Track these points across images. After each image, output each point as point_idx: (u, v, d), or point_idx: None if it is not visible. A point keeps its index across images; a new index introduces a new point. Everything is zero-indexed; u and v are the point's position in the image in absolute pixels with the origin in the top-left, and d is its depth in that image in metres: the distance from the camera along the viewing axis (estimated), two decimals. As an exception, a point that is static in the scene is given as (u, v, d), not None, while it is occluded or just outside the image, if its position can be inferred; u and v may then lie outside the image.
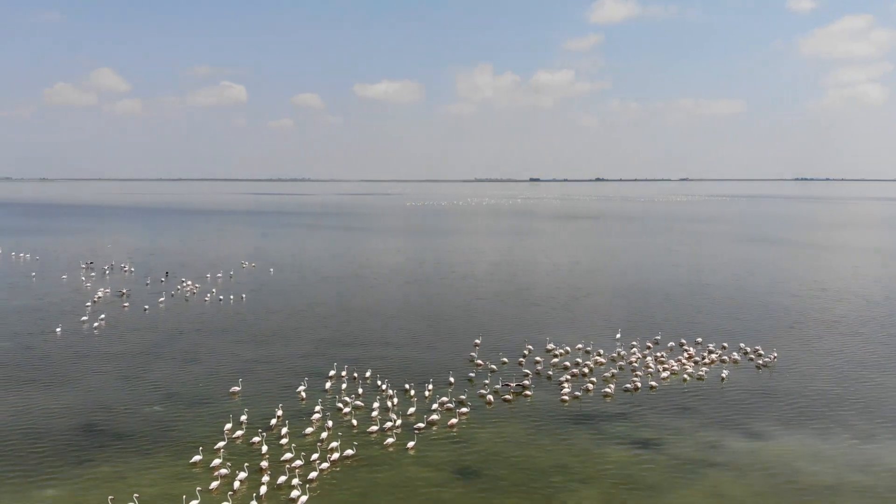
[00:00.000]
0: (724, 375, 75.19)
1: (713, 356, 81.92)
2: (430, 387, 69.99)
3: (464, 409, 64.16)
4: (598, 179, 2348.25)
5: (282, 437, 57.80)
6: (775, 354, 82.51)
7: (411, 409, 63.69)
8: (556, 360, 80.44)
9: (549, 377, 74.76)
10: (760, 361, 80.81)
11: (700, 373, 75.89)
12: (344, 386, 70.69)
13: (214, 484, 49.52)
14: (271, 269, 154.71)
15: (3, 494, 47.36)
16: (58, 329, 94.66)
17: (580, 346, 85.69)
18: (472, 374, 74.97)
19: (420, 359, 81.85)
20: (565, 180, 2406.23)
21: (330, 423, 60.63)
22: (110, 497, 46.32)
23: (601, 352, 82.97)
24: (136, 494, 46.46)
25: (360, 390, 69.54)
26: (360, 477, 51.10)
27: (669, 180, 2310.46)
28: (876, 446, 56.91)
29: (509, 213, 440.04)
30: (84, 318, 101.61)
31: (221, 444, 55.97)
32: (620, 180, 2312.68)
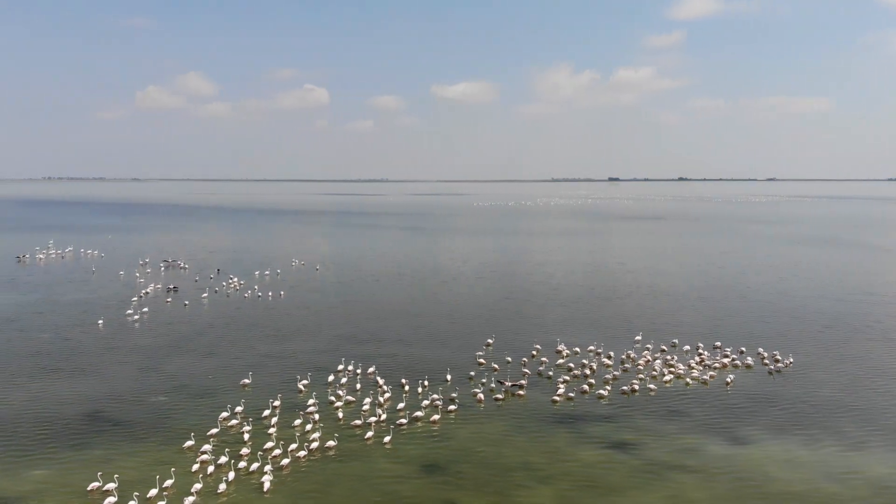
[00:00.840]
0: (728, 380, 73.73)
1: (725, 360, 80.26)
2: (426, 383, 71.28)
3: (452, 407, 65.09)
4: (680, 179, 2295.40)
5: (271, 426, 60.22)
6: (791, 360, 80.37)
7: (400, 405, 65.13)
8: (561, 361, 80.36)
9: (549, 377, 74.85)
10: (772, 366, 78.82)
11: (705, 377, 74.58)
12: (344, 380, 72.70)
13: (195, 467, 52.21)
14: (317, 267, 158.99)
15: None
16: (100, 322, 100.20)
17: (592, 347, 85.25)
18: (472, 373, 75.74)
19: (428, 356, 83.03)
20: (646, 180, 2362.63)
21: (317, 416, 62.66)
22: (99, 473, 49.56)
23: (611, 354, 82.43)
24: (116, 475, 49.42)
25: (359, 385, 71.43)
26: (329, 467, 52.84)
27: (755, 180, 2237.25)
28: (861, 456, 55.05)
29: (573, 213, 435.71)
30: (128, 311, 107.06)
31: (214, 430, 58.86)
32: (704, 180, 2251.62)
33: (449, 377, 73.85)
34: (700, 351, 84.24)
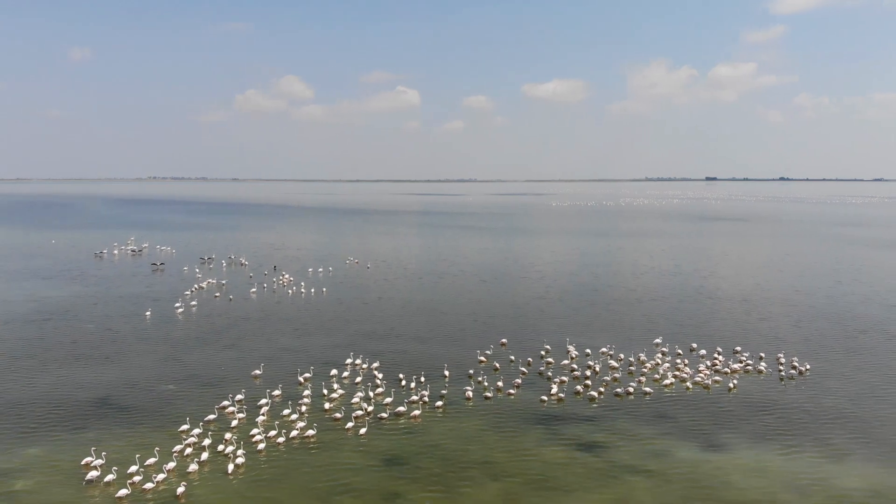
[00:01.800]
0: (731, 385, 71.92)
1: (736, 366, 78.24)
2: (423, 379, 72.75)
3: (439, 403, 66.28)
4: (782, 179, 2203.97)
5: (261, 414, 63.12)
6: (808, 366, 77.56)
7: (388, 399, 66.87)
8: (566, 362, 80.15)
9: (548, 378, 74.87)
10: (785, 373, 76.33)
11: (707, 382, 72.99)
12: (346, 374, 75.04)
13: (177, 447, 55.55)
14: (368, 266, 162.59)
15: None
16: (147, 314, 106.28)
17: (604, 349, 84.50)
18: (471, 371, 76.58)
19: (437, 354, 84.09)
20: (745, 180, 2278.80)
21: (303, 407, 65.12)
22: (93, 448, 53.51)
23: (621, 356, 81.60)
24: (104, 452, 53.23)
25: (358, 379, 73.61)
26: (298, 455, 55.08)
27: (861, 180, 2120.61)
28: (836, 467, 53.05)
29: (650, 213, 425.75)
30: (177, 304, 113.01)
31: (211, 417, 62.24)
32: (806, 180, 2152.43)
33: (447, 373, 75.11)
34: (715, 356, 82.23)
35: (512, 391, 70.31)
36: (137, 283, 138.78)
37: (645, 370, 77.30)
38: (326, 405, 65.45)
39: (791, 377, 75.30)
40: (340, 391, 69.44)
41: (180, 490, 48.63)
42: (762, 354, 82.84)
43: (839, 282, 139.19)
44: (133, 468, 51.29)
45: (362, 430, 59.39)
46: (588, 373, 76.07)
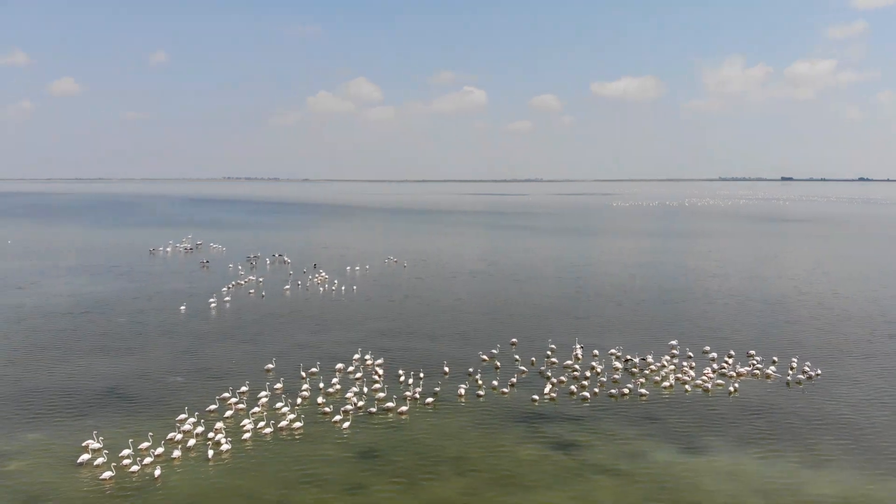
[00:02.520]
0: (731, 389, 70.71)
1: (744, 369, 76.77)
2: (421, 375, 73.89)
3: (429, 399, 67.35)
4: (861, 179, 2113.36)
5: (257, 405, 65.40)
6: (819, 371, 75.50)
7: (380, 395, 68.27)
8: (569, 362, 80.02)
9: (547, 377, 74.89)
10: (790, 377, 74.50)
11: (708, 385, 71.87)
12: (350, 369, 76.75)
13: (170, 434, 58.23)
14: (405, 264, 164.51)
15: None
16: (182, 308, 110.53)
17: (613, 350, 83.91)
18: (471, 369, 77.23)
19: (446, 352, 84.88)
20: (823, 180, 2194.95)
21: (299, 400, 67.16)
22: (95, 432, 56.64)
23: (628, 357, 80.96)
24: (101, 437, 56.30)
25: (359, 374, 75.24)
26: (278, 446, 56.92)
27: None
28: (814, 474, 51.83)
29: (713, 214, 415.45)
30: (211, 300, 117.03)
31: (212, 407, 64.90)
32: (888, 180, 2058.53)
33: (447, 369, 76.16)
34: (726, 358, 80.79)
35: (506, 390, 70.72)
36: (181, 279, 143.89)
37: (647, 372, 76.51)
38: (320, 399, 67.23)
39: (798, 382, 73.47)
40: (338, 386, 71.15)
41: (157, 473, 51.10)
42: (775, 358, 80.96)
43: (884, 286, 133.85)
44: (125, 452, 53.93)
45: (345, 424, 60.89)
46: (588, 373, 75.76)
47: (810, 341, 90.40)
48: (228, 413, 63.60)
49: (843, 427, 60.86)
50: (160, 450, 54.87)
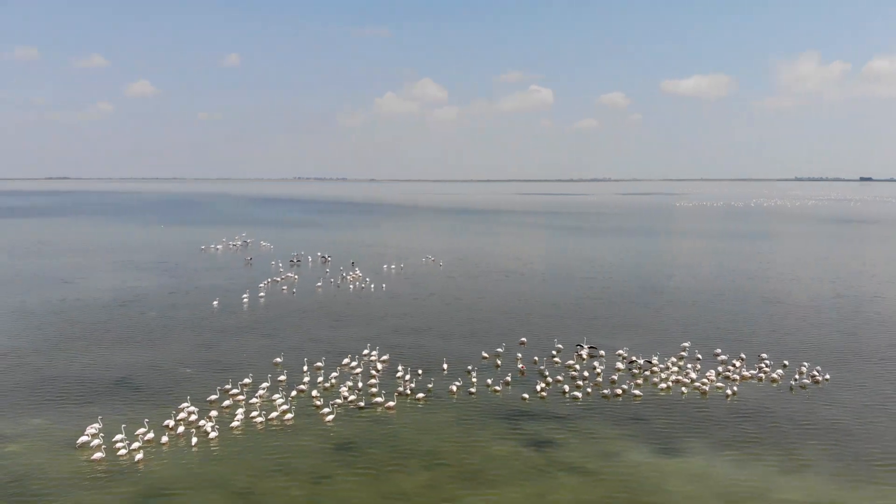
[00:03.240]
0: (729, 392, 69.54)
1: (748, 373, 75.38)
2: (420, 371, 75.14)
3: (420, 395, 68.46)
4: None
5: (255, 396, 67.67)
6: (827, 376, 73.58)
7: (373, 389, 69.73)
8: (571, 361, 79.90)
9: (545, 376, 75.01)
10: (794, 381, 72.75)
11: (705, 388, 70.85)
12: (354, 364, 78.42)
13: (166, 421, 60.90)
14: (441, 264, 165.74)
15: (1, 417, 62.96)
16: (215, 303, 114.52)
17: (621, 351, 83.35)
18: (469, 367, 77.83)
19: (452, 350, 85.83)
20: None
21: (293, 392, 69.15)
22: (100, 416, 59.82)
23: (633, 359, 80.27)
24: (100, 416, 59.47)
25: (359, 369, 76.86)
26: (260, 436, 58.83)
27: None
28: (783, 479, 50.77)
29: (777, 215, 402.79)
30: (244, 296, 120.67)
31: (213, 397, 67.56)
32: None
33: (445, 366, 77.21)
34: (734, 362, 79.37)
35: (498, 388, 71.15)
36: (222, 275, 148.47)
37: (648, 373, 75.83)
38: (314, 392, 69.07)
39: (803, 386, 71.64)
40: (334, 380, 72.84)
41: (139, 457, 53.76)
42: (785, 362, 79.05)
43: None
44: (118, 437, 56.73)
45: (330, 417, 62.48)
46: (586, 373, 75.57)
47: (831, 345, 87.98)
48: (226, 403, 65.86)
49: (833, 432, 59.27)
50: (150, 435, 57.48)
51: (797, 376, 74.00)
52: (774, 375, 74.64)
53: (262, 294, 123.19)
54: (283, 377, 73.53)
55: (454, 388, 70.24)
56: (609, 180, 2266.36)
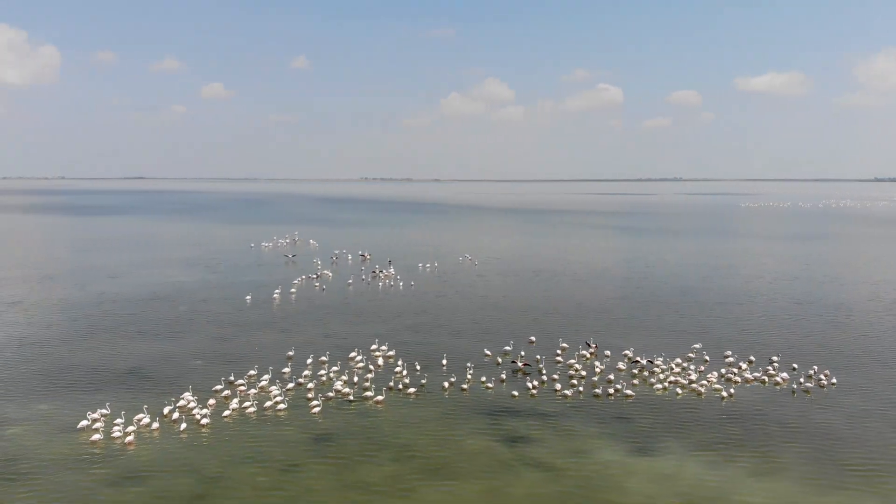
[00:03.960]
0: (724, 395, 68.39)
1: (754, 374, 74.16)
2: (418, 367, 76.29)
3: (412, 390, 69.55)
4: None
5: (254, 388, 70.03)
6: (834, 380, 71.59)
7: (366, 384, 71.14)
8: (572, 360, 79.70)
9: (540, 373, 75.13)
10: (796, 386, 70.93)
11: (702, 389, 69.82)
12: (359, 358, 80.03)
13: (166, 409, 63.87)
14: (475, 263, 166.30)
15: (12, 402, 66.59)
16: (248, 298, 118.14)
17: (626, 351, 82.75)
18: (468, 364, 78.35)
19: (459, 347, 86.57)
20: None
21: (290, 385, 71.17)
22: (107, 402, 63.05)
23: (637, 359, 79.58)
24: (108, 403, 62.81)
25: (360, 364, 78.46)
26: (247, 426, 60.67)
27: None
28: (750, 482, 49.78)
29: (843, 217, 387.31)
30: (276, 291, 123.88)
31: (218, 386, 70.24)
32: None
33: (444, 361, 78.21)
34: (741, 364, 77.87)
35: (491, 385, 71.58)
36: (262, 271, 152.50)
37: (647, 374, 75.14)
38: (311, 384, 70.89)
39: (807, 391, 69.75)
40: (334, 374, 74.54)
41: (129, 439, 56.63)
42: (794, 365, 77.18)
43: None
44: (117, 421, 59.62)
45: (316, 409, 64.15)
46: (584, 372, 75.34)
47: (851, 349, 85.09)
48: (226, 393, 68.26)
49: (819, 437, 57.68)
50: (146, 420, 60.26)
51: (801, 380, 71.99)
52: (778, 379, 72.86)
53: (293, 290, 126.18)
54: (286, 369, 75.54)
55: (446, 385, 70.96)
56: (680, 180, 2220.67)
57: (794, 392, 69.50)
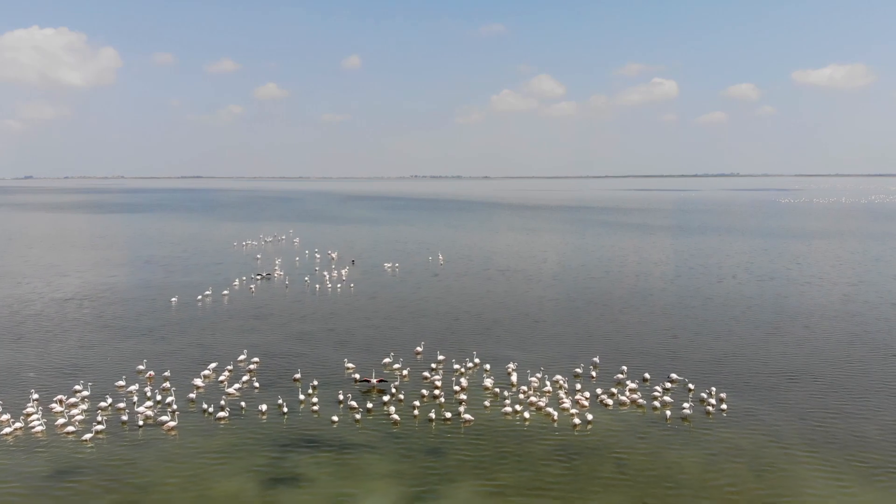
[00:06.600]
0: (577, 422, 57.64)
1: (632, 396, 63.12)
2: (256, 384, 67.92)
3: (221, 414, 60.74)
4: None
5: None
6: (724, 407, 60.39)
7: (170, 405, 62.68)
8: (437, 377, 69.64)
9: (395, 393, 65.37)
10: (669, 412, 59.56)
11: (555, 414, 59.04)
12: (205, 373, 71.97)
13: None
14: (441, 262, 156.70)
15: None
16: (173, 300, 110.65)
17: (510, 365, 72.22)
18: (315, 381, 68.72)
19: (327, 360, 77.72)
20: None
21: (107, 403, 63.45)
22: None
23: (532, 379, 68.56)
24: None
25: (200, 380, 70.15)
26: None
27: None
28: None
29: (878, 213, 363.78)
30: (206, 293, 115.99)
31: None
32: None
33: (297, 376, 69.84)
34: (629, 383, 66.72)
35: (316, 407, 62.09)
36: (214, 272, 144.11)
37: (513, 393, 64.88)
38: (121, 405, 63.07)
39: (685, 418, 58.44)
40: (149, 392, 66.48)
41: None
42: (691, 386, 65.70)
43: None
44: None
45: (88, 436, 56.03)
46: (437, 392, 65.17)
47: (778, 364, 72.81)
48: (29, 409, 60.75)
49: (648, 485, 46.46)
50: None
51: (686, 404, 60.51)
52: (656, 404, 61.35)
53: (225, 292, 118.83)
54: (121, 382, 68.15)
55: (264, 408, 61.59)
56: (737, 175, 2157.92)
57: (668, 419, 58.14)
